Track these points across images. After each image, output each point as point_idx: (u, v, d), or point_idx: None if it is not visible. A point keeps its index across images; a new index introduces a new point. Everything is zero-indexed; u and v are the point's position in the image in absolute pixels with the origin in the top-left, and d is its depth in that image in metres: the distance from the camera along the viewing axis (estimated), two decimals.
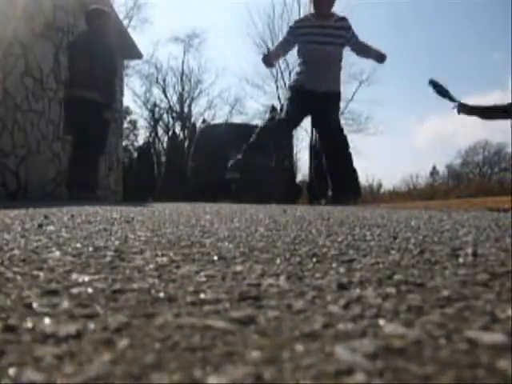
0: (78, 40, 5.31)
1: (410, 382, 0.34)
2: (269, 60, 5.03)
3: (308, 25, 4.78)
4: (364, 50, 4.94)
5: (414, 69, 50.90)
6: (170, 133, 29.16)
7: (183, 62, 31.73)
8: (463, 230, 1.54)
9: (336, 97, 4.87)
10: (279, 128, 4.81)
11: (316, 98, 4.65)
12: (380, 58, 4.90)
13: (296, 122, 4.96)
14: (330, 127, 4.77)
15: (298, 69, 4.91)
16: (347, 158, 4.85)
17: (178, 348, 0.41)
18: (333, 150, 4.76)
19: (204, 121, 26.75)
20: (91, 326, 0.47)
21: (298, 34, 4.78)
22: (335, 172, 4.80)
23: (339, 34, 4.76)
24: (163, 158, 27.64)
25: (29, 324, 0.47)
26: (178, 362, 0.38)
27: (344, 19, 4.98)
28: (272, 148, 5.01)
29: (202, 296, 0.60)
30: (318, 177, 5.40)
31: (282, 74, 27.11)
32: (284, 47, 5.00)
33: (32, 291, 0.61)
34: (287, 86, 5.06)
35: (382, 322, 0.49)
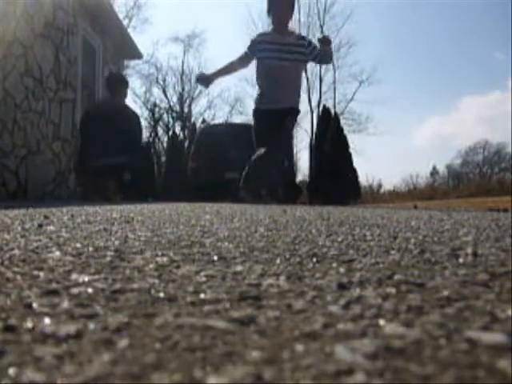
0: (103, 110, 5.66)
1: (410, 382, 0.34)
2: (208, 79, 5.00)
3: (268, 40, 4.81)
4: (322, 59, 4.99)
5: (414, 69, 50.92)
6: (170, 133, 29.16)
7: (183, 62, 31.75)
8: (463, 229, 1.54)
9: (293, 112, 4.90)
10: (267, 159, 4.78)
11: (275, 115, 4.67)
12: (324, 44, 4.84)
13: (273, 143, 4.91)
14: (278, 138, 4.75)
15: (258, 88, 4.92)
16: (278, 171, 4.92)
17: (178, 348, 0.41)
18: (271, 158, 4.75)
19: (204, 121, 26.73)
20: (91, 326, 0.47)
21: (258, 49, 4.80)
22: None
23: (298, 51, 4.80)
24: (163, 158, 27.63)
25: (29, 324, 0.47)
26: (178, 362, 0.38)
27: (303, 37, 5.12)
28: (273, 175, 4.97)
29: (202, 296, 0.60)
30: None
31: None
32: (242, 62, 4.98)
33: (32, 291, 0.61)
34: (252, 111, 5.05)
35: (382, 321, 0.49)
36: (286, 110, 4.74)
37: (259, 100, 4.86)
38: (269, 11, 4.86)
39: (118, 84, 5.87)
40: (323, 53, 4.87)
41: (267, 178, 4.87)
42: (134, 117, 5.84)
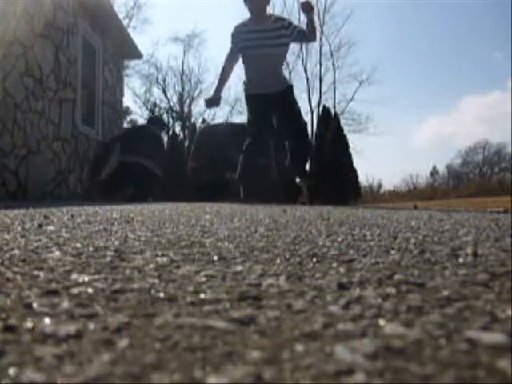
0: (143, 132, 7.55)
1: (410, 381, 0.34)
2: (216, 99, 5.02)
3: (246, 30, 4.77)
4: (305, 36, 4.85)
5: (414, 69, 50.94)
6: (170, 133, 29.17)
7: (183, 62, 31.75)
8: (463, 229, 1.54)
9: (286, 92, 4.88)
10: (257, 145, 4.83)
11: (268, 99, 4.68)
12: (304, 10, 4.70)
13: (264, 128, 4.93)
14: (292, 123, 4.78)
15: (244, 77, 4.93)
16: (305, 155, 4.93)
17: (178, 348, 0.41)
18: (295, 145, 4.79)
19: (204, 121, 26.72)
20: (91, 326, 0.47)
21: (238, 40, 4.77)
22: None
23: (278, 35, 4.74)
24: None
25: (29, 324, 0.47)
26: (178, 361, 0.38)
27: (282, 19, 5.02)
28: (263, 162, 5.02)
29: (202, 296, 0.60)
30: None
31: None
32: (231, 59, 4.95)
33: (32, 291, 0.61)
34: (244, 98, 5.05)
35: (382, 321, 0.49)
36: (279, 93, 4.73)
37: (247, 86, 4.87)
38: (245, 1, 4.84)
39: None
40: (307, 26, 4.75)
41: (259, 171, 4.92)
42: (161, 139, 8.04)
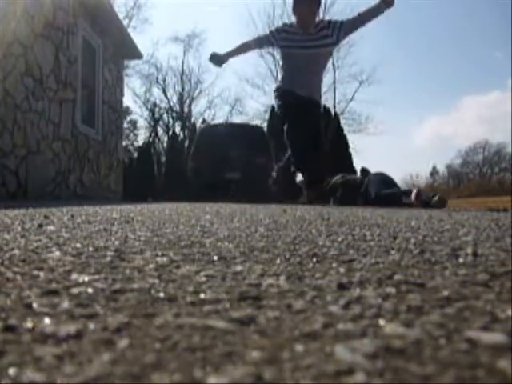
0: None
1: (410, 381, 0.34)
2: (221, 59, 4.89)
3: (291, 31, 4.76)
4: (362, 18, 4.82)
5: (414, 69, 50.91)
6: (170, 133, 29.18)
7: (183, 62, 31.79)
8: (463, 229, 1.54)
9: (316, 105, 4.88)
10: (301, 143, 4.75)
11: (300, 100, 4.66)
12: (386, 2, 4.64)
13: (303, 124, 4.86)
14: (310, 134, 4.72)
15: (280, 76, 4.92)
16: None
17: (178, 348, 0.41)
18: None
19: (204, 121, 26.72)
20: (91, 326, 0.47)
21: (281, 38, 4.77)
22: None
23: (321, 36, 4.73)
24: (163, 158, 27.64)
25: (29, 324, 0.47)
26: (178, 362, 0.38)
27: (321, 21, 4.99)
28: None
29: (202, 296, 0.60)
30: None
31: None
32: (260, 41, 4.95)
33: (32, 291, 0.61)
34: (274, 96, 4.99)
35: (382, 321, 0.49)
36: (311, 101, 4.71)
37: (282, 82, 4.84)
38: (293, 9, 4.79)
39: None
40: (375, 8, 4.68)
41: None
42: None
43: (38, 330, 0.46)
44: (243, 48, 4.97)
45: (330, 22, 4.85)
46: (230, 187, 9.64)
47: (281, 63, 4.95)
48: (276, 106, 5.01)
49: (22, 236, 1.23)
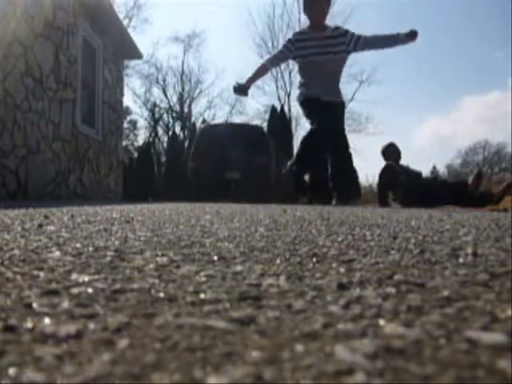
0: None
1: (410, 381, 0.34)
2: (245, 88, 4.93)
3: (304, 38, 4.81)
4: (380, 41, 4.82)
5: (414, 69, 50.94)
6: (170, 133, 29.18)
7: (183, 62, 31.79)
8: (463, 229, 1.54)
9: (340, 106, 4.91)
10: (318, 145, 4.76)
11: (321, 105, 4.68)
12: (410, 36, 4.64)
13: (328, 128, 4.84)
14: (334, 137, 4.75)
15: (299, 83, 4.95)
16: (347, 166, 4.91)
17: (178, 348, 0.41)
18: (334, 158, 4.78)
19: (204, 121, 26.73)
20: (91, 326, 0.47)
21: (296, 47, 4.81)
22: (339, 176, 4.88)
23: (337, 42, 4.77)
24: (163, 158, 27.65)
25: (29, 324, 0.47)
26: (178, 362, 0.38)
27: (338, 27, 5.05)
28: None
29: (202, 296, 0.60)
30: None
31: (281, 74, 27.15)
32: (277, 59, 5.04)
33: (32, 291, 0.61)
34: (299, 103, 5.04)
35: (382, 321, 0.49)
36: (332, 103, 4.75)
37: (303, 91, 4.87)
38: (305, 8, 4.85)
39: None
40: (396, 38, 4.70)
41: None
42: None
43: (38, 330, 0.46)
44: (262, 71, 5.02)
45: (347, 31, 4.91)
46: (230, 187, 9.64)
47: (298, 68, 4.95)
48: (303, 113, 5.03)
49: (22, 236, 1.23)
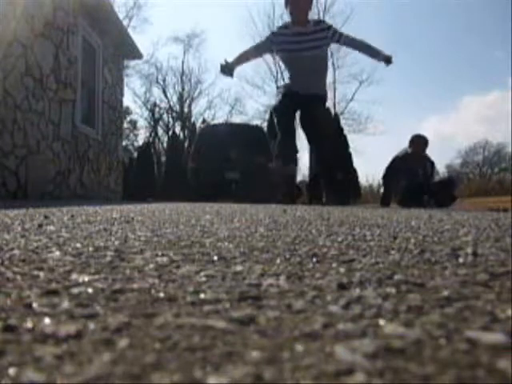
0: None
1: (410, 381, 0.34)
2: (231, 68, 4.96)
3: (287, 33, 4.84)
4: (358, 45, 4.94)
5: (414, 69, 50.94)
6: (170, 133, 29.16)
7: (183, 62, 31.81)
8: (463, 229, 1.54)
9: (321, 98, 4.98)
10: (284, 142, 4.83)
11: (302, 99, 4.75)
12: (386, 60, 4.85)
13: (290, 122, 4.93)
14: (318, 128, 4.84)
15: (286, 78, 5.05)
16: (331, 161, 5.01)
17: (178, 348, 0.41)
18: (321, 149, 4.86)
19: (204, 121, 26.72)
20: (91, 326, 0.47)
21: (278, 42, 4.85)
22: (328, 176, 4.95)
23: (319, 37, 4.82)
24: (163, 158, 27.64)
25: (29, 324, 0.47)
26: (178, 362, 0.38)
27: (321, 21, 5.14)
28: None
29: (202, 296, 0.60)
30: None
31: (282, 73, 27.12)
32: (259, 49, 5.05)
33: (32, 291, 0.61)
34: (277, 92, 5.13)
35: (381, 321, 0.49)
36: (313, 95, 4.81)
37: (288, 84, 4.94)
38: (286, 3, 4.88)
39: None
40: (374, 52, 4.86)
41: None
42: None
43: (38, 330, 0.45)
44: (244, 57, 5.04)
45: (330, 26, 4.96)
46: (230, 187, 9.64)
47: (283, 65, 5.02)
48: (276, 102, 5.07)
49: (22, 236, 1.23)
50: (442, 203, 5.89)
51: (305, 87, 4.76)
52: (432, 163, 6.52)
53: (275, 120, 4.95)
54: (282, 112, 4.86)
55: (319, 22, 5.10)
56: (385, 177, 6.46)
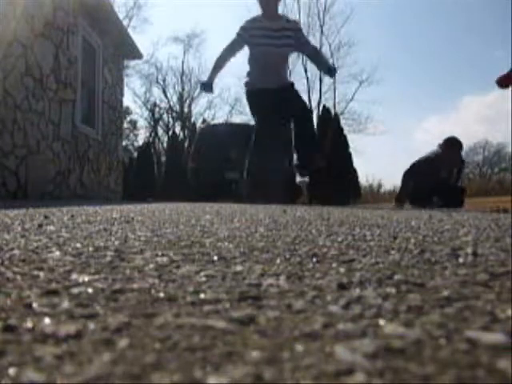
0: None
1: (410, 381, 0.34)
2: (210, 85, 5.06)
3: (257, 26, 4.87)
4: (316, 56, 5.12)
5: (414, 69, 50.93)
6: (170, 133, 29.16)
7: (183, 62, 31.86)
8: (463, 229, 1.54)
9: (291, 85, 5.04)
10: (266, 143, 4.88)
11: (271, 93, 4.78)
12: (330, 71, 5.03)
13: (271, 122, 4.94)
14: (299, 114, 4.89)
15: (248, 70, 5.01)
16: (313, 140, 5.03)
17: (178, 348, 0.41)
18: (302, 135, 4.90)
19: (204, 121, 26.72)
20: (91, 326, 0.47)
21: (248, 35, 4.86)
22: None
23: (287, 35, 4.87)
24: (163, 158, 27.66)
25: (29, 324, 0.47)
26: (178, 362, 0.38)
27: (294, 21, 5.22)
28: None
29: (202, 296, 0.60)
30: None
31: None
32: (231, 50, 5.06)
33: (32, 291, 0.61)
34: (245, 95, 5.14)
35: (381, 321, 0.49)
36: (282, 87, 4.86)
37: (250, 82, 4.95)
38: None
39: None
40: (321, 67, 5.07)
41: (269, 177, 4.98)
42: None
43: (38, 330, 0.45)
44: (220, 63, 5.07)
45: (301, 29, 5.11)
46: (230, 187, 9.64)
47: (249, 57, 5.01)
48: (249, 103, 5.10)
49: (22, 236, 1.23)
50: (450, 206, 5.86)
51: (275, 81, 4.83)
52: (460, 169, 6.40)
53: (257, 126, 4.95)
54: (264, 123, 4.85)
55: (292, 21, 5.20)
56: (404, 176, 6.34)
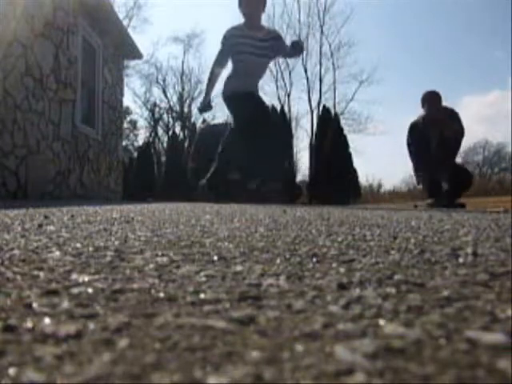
0: None
1: (410, 381, 0.34)
2: (208, 103, 5.22)
3: (239, 34, 4.94)
4: (289, 50, 5.17)
5: (414, 69, 50.93)
6: (170, 133, 29.17)
7: (183, 62, 31.89)
8: (463, 229, 1.54)
9: (259, 95, 5.17)
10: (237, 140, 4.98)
11: (250, 96, 4.91)
12: (293, 46, 5.06)
13: (249, 124, 4.98)
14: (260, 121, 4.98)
15: (228, 76, 5.07)
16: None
17: (178, 348, 0.41)
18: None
19: (204, 121, 26.71)
20: (91, 326, 0.47)
21: (230, 43, 4.93)
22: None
23: (268, 46, 4.97)
24: (163, 158, 27.66)
25: (29, 324, 0.47)
26: (178, 362, 0.38)
27: (273, 31, 5.38)
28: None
29: (202, 296, 0.60)
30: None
31: (282, 73, 27.16)
32: (221, 62, 5.13)
33: (32, 291, 0.61)
34: (223, 97, 5.20)
35: (381, 322, 0.49)
36: (256, 94, 5.04)
37: (230, 84, 5.02)
38: (240, 4, 4.95)
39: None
40: (291, 53, 5.15)
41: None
42: None
43: (38, 330, 0.45)
44: (213, 78, 5.18)
45: (281, 37, 5.22)
46: (230, 187, 9.63)
47: (231, 63, 5.08)
48: (232, 108, 5.15)
49: (22, 236, 1.23)
50: (453, 193, 5.41)
51: (253, 87, 4.97)
52: (458, 130, 5.31)
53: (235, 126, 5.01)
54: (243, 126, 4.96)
55: (272, 31, 5.35)
56: (408, 148, 5.65)
